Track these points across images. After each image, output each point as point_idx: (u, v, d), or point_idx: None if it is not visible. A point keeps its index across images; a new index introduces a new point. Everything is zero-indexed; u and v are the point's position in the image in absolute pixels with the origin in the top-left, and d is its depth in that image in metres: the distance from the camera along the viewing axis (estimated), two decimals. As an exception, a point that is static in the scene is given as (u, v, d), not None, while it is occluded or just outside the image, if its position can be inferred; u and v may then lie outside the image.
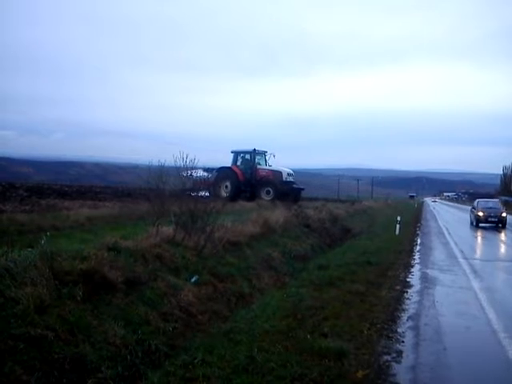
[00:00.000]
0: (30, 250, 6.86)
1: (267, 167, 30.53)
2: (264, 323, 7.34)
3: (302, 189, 31.18)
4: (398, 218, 25.09)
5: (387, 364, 6.05)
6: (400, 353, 6.47)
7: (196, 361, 5.67)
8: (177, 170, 13.24)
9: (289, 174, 30.17)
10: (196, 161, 13.08)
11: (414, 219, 38.92)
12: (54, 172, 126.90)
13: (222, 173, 26.47)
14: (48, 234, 7.27)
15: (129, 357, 5.81)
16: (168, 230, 10.80)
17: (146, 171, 13.28)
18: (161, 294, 7.91)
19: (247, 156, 30.57)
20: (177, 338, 6.94)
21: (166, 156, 12.90)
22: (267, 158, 31.24)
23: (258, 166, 30.24)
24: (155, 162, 12.74)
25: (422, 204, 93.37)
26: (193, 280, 9.09)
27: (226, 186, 27.07)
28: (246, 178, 29.24)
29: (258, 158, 30.79)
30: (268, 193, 28.90)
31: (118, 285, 7.18)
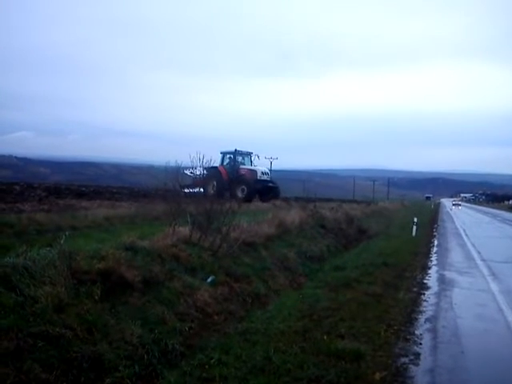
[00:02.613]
0: (48, 249, 6.93)
1: (247, 167, 32.06)
2: (280, 324, 7.33)
3: (276, 187, 32.50)
4: (415, 220, 24.89)
5: (405, 366, 6.00)
6: (418, 355, 6.41)
7: (212, 361, 5.69)
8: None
9: (263, 173, 31.79)
10: (212, 161, 13.17)
11: (431, 220, 38.60)
12: (70, 172, 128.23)
13: (211, 172, 27.80)
14: (67, 233, 7.33)
15: (146, 356, 5.83)
16: (184, 230, 10.84)
17: (161, 172, 13.36)
18: (177, 294, 7.94)
19: (231, 156, 32.09)
20: (193, 338, 6.95)
21: (181, 156, 12.96)
22: (252, 158, 33.06)
23: (241, 166, 31.71)
24: (171, 163, 12.81)
25: (438, 205, 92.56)
26: (209, 280, 9.11)
27: (214, 185, 28.15)
28: (230, 177, 30.49)
29: (242, 158, 32.52)
30: (243, 190, 30.27)
31: (135, 284, 7.22)
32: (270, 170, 72.22)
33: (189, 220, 11.09)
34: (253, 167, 32.08)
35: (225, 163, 31.90)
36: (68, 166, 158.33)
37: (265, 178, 31.66)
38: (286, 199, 33.79)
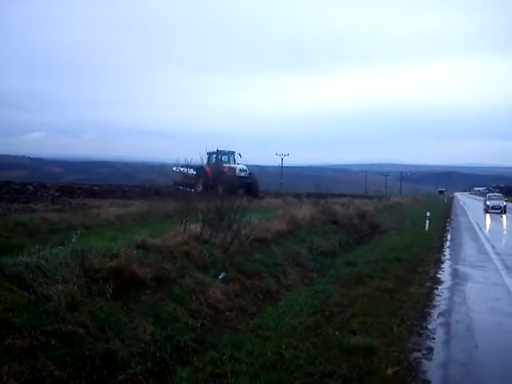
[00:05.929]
0: (61, 248, 7.00)
1: (228, 165, 33.41)
2: (292, 320, 7.32)
3: (254, 182, 33.50)
4: (428, 214, 24.71)
5: (418, 361, 5.96)
6: (431, 350, 6.36)
7: (224, 357, 5.69)
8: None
9: (241, 170, 32.90)
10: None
11: (444, 215, 38.31)
12: (84, 172, 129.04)
13: (199, 171, 28.86)
14: (78, 232, 7.39)
15: (158, 353, 5.87)
16: (195, 227, 10.88)
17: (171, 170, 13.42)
18: (189, 291, 7.97)
19: (215, 156, 33.70)
20: (205, 335, 6.98)
21: (192, 154, 13.04)
22: (236, 157, 34.59)
23: (225, 165, 33.06)
24: (182, 161, 12.90)
25: (451, 199, 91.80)
26: (220, 277, 9.13)
27: (202, 183, 29.02)
28: (214, 176, 31.47)
29: (227, 157, 34.29)
30: (222, 187, 31.28)
31: (146, 282, 7.27)
32: (282, 167, 73.47)
33: (200, 217, 11.12)
34: (232, 165, 33.52)
35: (211, 162, 33.16)
36: (82, 165, 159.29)
37: (243, 174, 32.80)
38: (298, 195, 33.84)
